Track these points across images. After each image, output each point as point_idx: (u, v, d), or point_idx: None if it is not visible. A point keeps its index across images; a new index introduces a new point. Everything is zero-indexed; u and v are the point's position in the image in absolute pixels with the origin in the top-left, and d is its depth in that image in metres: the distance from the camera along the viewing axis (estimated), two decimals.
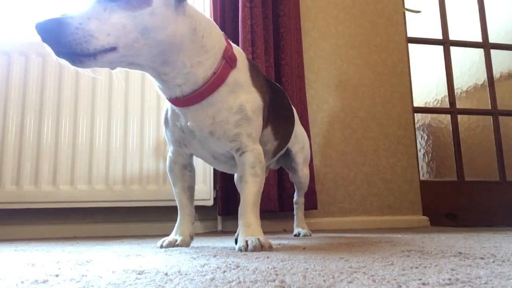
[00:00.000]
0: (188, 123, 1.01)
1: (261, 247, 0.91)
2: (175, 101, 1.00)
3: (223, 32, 1.05)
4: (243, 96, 1.01)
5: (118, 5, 0.81)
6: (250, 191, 1.01)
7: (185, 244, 1.07)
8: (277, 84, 1.47)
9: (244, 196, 1.01)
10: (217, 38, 0.99)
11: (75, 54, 0.80)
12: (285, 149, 1.45)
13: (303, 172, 1.56)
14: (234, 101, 1.00)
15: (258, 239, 0.92)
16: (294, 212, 1.66)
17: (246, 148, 1.02)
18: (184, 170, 1.13)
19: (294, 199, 1.66)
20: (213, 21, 1.04)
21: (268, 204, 1.85)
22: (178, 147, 1.10)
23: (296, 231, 1.59)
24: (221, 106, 0.99)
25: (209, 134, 1.01)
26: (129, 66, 0.91)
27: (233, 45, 1.08)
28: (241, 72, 1.03)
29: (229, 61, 0.99)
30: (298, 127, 1.55)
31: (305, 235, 1.54)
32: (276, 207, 1.88)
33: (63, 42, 0.79)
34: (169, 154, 1.14)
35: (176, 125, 1.06)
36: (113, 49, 0.82)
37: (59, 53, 0.82)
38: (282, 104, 1.33)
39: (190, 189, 1.14)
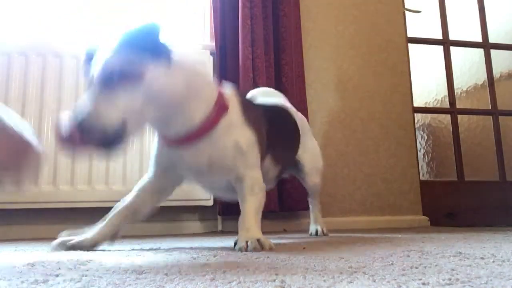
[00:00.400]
0: (183, 160, 1.05)
1: (261, 248, 0.91)
2: (167, 140, 1.04)
3: (214, 78, 1.15)
4: (236, 134, 1.05)
5: (119, 85, 0.89)
6: (250, 206, 1.02)
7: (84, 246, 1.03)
8: (278, 106, 1.48)
9: (245, 210, 1.02)
10: (209, 87, 1.06)
11: (100, 141, 0.87)
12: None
13: (313, 182, 1.58)
14: (229, 139, 1.04)
15: (259, 240, 0.92)
16: (310, 210, 1.66)
17: (244, 176, 1.05)
18: (152, 194, 1.12)
19: (308, 199, 1.67)
20: (202, 70, 1.13)
21: (268, 204, 1.85)
22: (163, 171, 1.11)
23: (311, 228, 1.61)
24: (216, 144, 1.03)
25: (206, 168, 1.04)
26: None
27: (226, 89, 1.13)
28: (233, 114, 1.07)
29: (220, 108, 1.04)
30: (308, 139, 1.58)
31: (319, 235, 1.55)
32: (276, 207, 1.88)
33: (87, 138, 0.86)
34: (149, 174, 1.13)
35: (165, 155, 1.09)
36: (124, 123, 0.89)
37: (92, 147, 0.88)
38: (282, 129, 1.37)
39: (134, 213, 1.12)
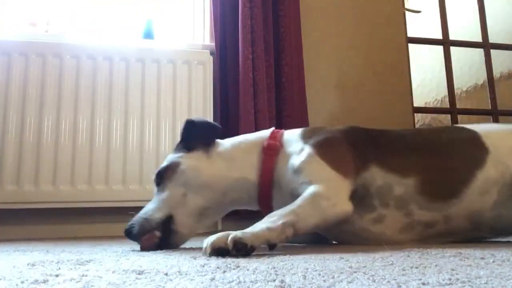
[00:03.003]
0: None
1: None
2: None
3: (271, 130, 1.13)
4: (292, 157, 1.04)
5: (162, 186, 1.03)
6: (288, 208, 0.88)
7: None
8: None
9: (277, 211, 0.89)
10: (251, 151, 1.08)
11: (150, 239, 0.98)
12: None
13: None
14: (286, 167, 1.04)
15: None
16: None
17: (308, 188, 0.98)
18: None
19: None
20: (248, 141, 1.13)
21: None
22: None
23: None
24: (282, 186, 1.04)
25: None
26: (210, 217, 1.09)
27: (286, 133, 1.12)
28: (288, 145, 1.06)
29: (270, 151, 1.06)
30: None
31: None
32: None
33: (140, 237, 0.99)
34: None
35: None
36: (169, 218, 1.00)
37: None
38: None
39: None
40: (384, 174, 0.99)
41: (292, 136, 1.10)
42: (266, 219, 0.84)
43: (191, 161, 1.05)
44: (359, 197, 0.97)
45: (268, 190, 1.04)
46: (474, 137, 1.07)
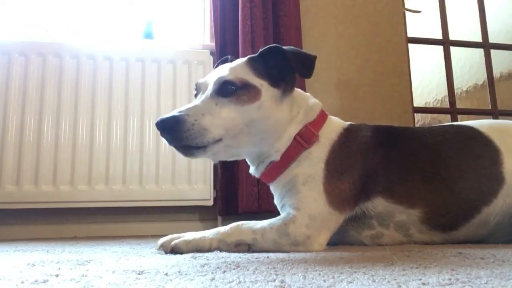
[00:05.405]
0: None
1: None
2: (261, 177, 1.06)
3: (320, 105, 1.11)
4: (302, 168, 0.97)
5: (230, 100, 0.92)
6: (253, 226, 0.91)
7: None
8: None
9: (246, 223, 0.92)
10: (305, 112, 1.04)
11: (190, 147, 0.90)
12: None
13: None
14: (291, 172, 0.98)
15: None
16: None
17: (287, 214, 0.98)
18: None
19: None
20: (309, 96, 1.11)
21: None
22: None
23: None
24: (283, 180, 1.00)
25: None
26: (232, 157, 1.01)
27: (333, 119, 1.13)
28: (319, 147, 1.00)
29: (300, 140, 0.99)
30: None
31: None
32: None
33: (180, 138, 0.89)
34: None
35: None
36: (220, 140, 0.91)
37: (175, 146, 0.92)
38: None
39: None
40: (388, 204, 0.97)
41: (329, 134, 1.04)
42: (228, 229, 0.90)
43: (269, 101, 0.94)
44: (357, 217, 0.98)
45: (276, 174, 1.01)
46: (495, 161, 0.99)
